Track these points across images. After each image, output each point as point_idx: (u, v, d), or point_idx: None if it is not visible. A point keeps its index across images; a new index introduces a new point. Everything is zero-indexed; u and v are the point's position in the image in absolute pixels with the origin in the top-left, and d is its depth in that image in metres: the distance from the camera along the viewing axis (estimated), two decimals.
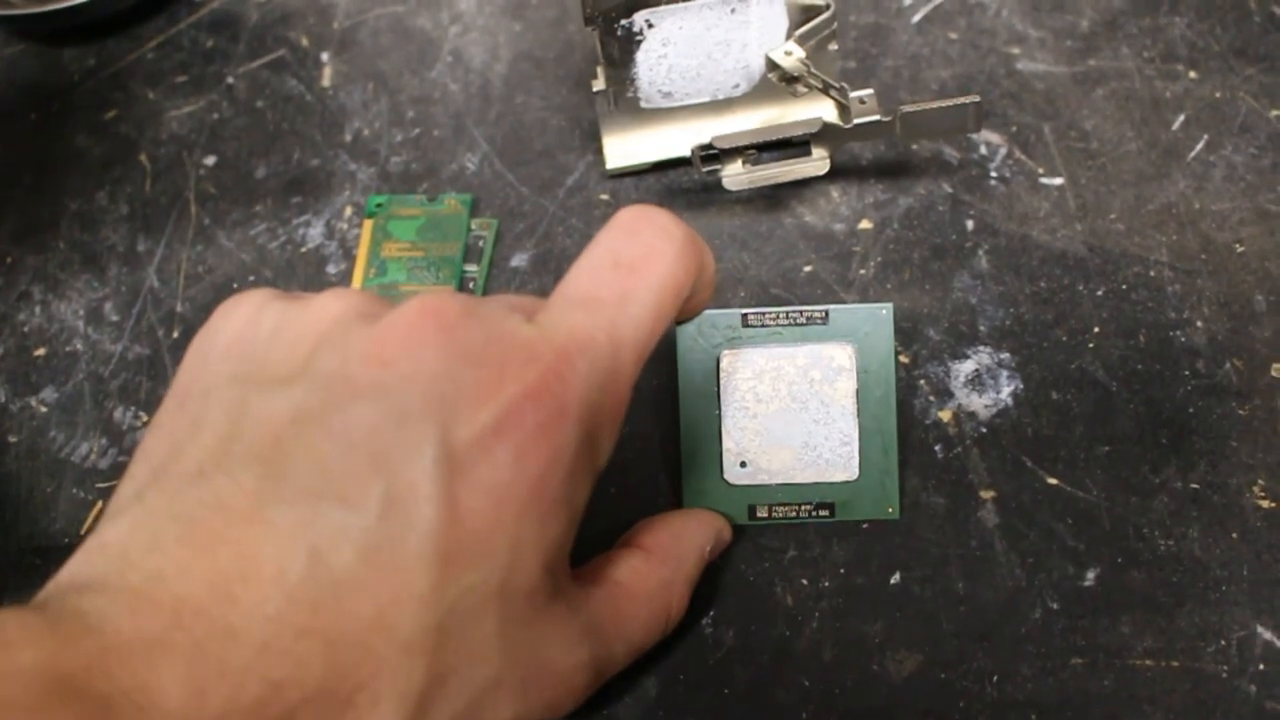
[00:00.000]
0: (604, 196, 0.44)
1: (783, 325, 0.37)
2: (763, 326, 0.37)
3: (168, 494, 0.25)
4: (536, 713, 0.28)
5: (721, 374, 0.37)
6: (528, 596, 0.27)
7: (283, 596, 0.24)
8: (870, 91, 0.41)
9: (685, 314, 0.34)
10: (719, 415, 0.37)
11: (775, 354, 0.37)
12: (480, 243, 0.43)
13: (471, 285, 0.42)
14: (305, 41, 0.51)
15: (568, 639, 0.29)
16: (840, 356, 0.36)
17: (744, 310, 0.37)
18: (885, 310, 0.36)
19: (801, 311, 0.36)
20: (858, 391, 0.36)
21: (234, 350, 0.28)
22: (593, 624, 0.30)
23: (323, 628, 0.24)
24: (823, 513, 0.36)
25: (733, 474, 0.36)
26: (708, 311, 0.36)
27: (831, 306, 0.36)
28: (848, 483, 0.36)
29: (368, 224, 0.44)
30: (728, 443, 0.36)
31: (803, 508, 0.36)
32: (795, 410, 0.36)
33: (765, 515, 0.36)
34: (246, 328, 0.29)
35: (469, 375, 0.26)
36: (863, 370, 0.36)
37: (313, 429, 0.25)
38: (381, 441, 0.25)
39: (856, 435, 0.36)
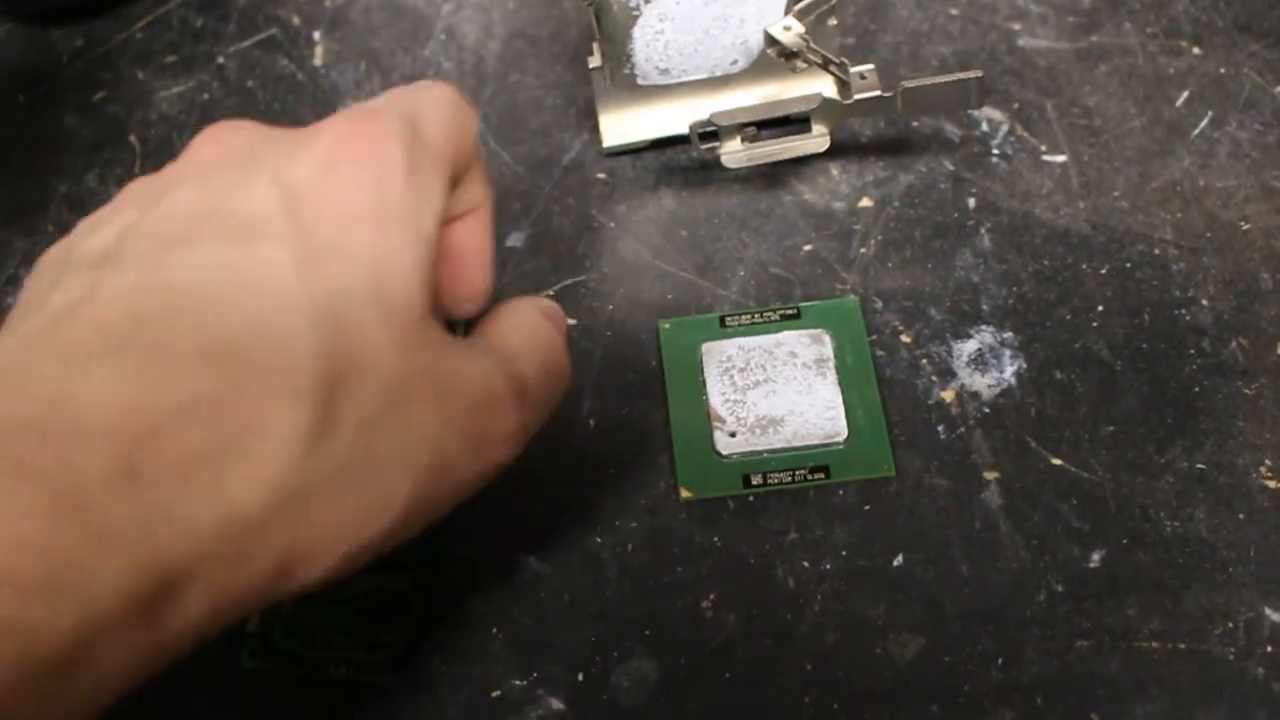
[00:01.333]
0: (600, 175, 0.44)
1: (758, 323, 0.39)
2: (739, 326, 0.39)
3: (14, 332, 0.26)
4: (466, 426, 0.27)
5: (703, 362, 0.38)
6: (406, 306, 0.26)
7: (136, 325, 0.24)
8: (871, 67, 0.40)
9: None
10: (706, 399, 0.38)
11: (753, 341, 0.39)
12: None
13: None
14: (296, 20, 0.50)
15: (465, 348, 0.29)
16: (815, 339, 0.38)
17: (721, 314, 0.39)
18: (853, 301, 0.40)
19: (775, 310, 0.39)
20: (836, 367, 0.38)
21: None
22: (487, 342, 0.30)
23: (185, 345, 0.24)
24: (818, 475, 0.36)
25: (723, 445, 0.37)
26: (689, 317, 0.39)
27: (802, 303, 0.39)
28: (838, 445, 0.37)
29: None
30: (715, 417, 0.37)
31: (797, 472, 0.36)
32: (777, 384, 0.38)
33: (760, 482, 0.36)
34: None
35: (286, 136, 0.28)
36: (839, 350, 0.38)
37: (139, 226, 0.26)
38: (213, 199, 0.26)
39: (840, 400, 0.37)
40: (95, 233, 0.27)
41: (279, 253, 0.25)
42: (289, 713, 0.34)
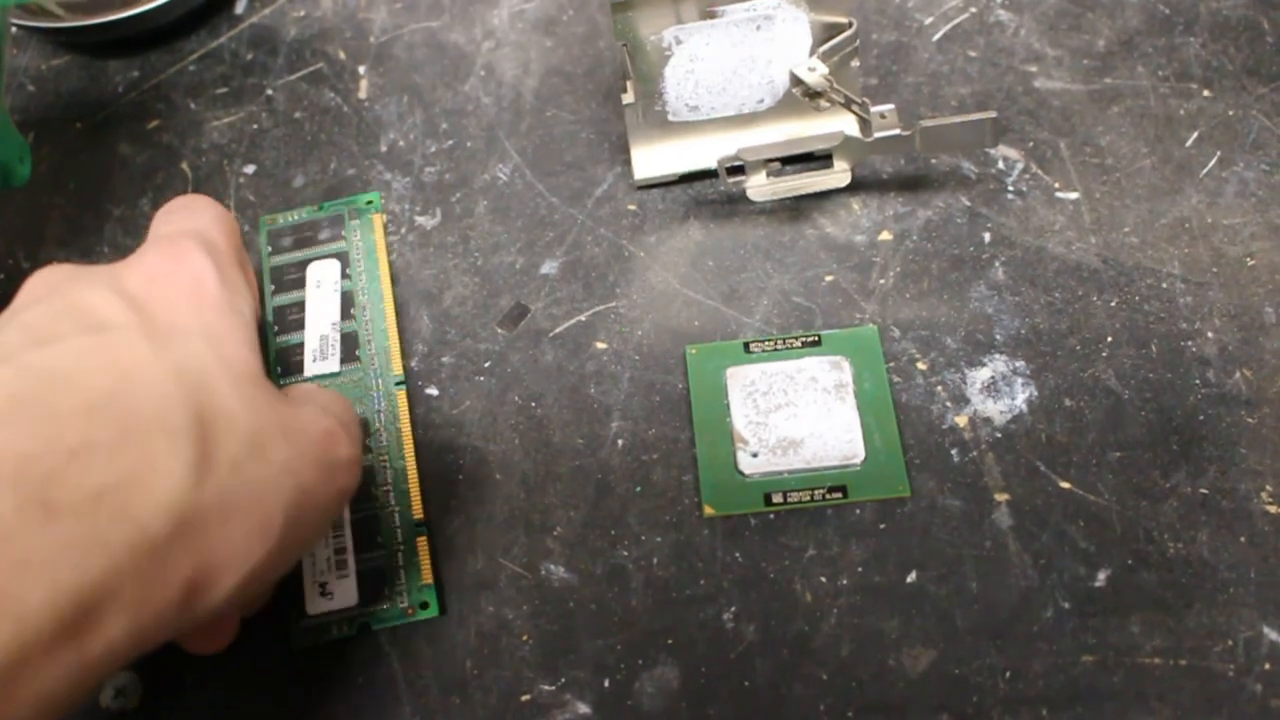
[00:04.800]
0: (631, 207, 0.45)
1: (781, 350, 0.41)
2: (763, 352, 0.41)
3: None
4: (317, 457, 0.31)
5: (728, 386, 0.40)
6: (244, 370, 0.30)
7: (17, 402, 0.26)
8: (891, 106, 0.42)
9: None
10: (729, 421, 0.39)
11: (775, 367, 0.40)
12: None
13: None
14: (342, 55, 0.52)
15: (294, 400, 0.32)
16: (835, 365, 0.40)
17: (745, 341, 0.41)
18: (872, 329, 0.41)
19: (797, 337, 0.41)
20: (855, 392, 0.39)
21: None
22: (299, 398, 0.33)
23: (66, 407, 0.27)
24: (836, 495, 0.37)
25: (745, 464, 0.38)
26: (715, 343, 0.41)
27: (823, 331, 0.41)
28: (856, 466, 0.38)
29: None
30: (738, 438, 0.39)
31: (816, 492, 0.37)
32: (798, 407, 0.39)
33: (780, 501, 0.37)
34: None
35: (104, 266, 0.32)
36: (857, 376, 0.40)
37: None
38: (60, 307, 0.30)
39: (858, 424, 0.39)
40: None
41: (130, 336, 0.29)
42: (325, 707, 0.36)
